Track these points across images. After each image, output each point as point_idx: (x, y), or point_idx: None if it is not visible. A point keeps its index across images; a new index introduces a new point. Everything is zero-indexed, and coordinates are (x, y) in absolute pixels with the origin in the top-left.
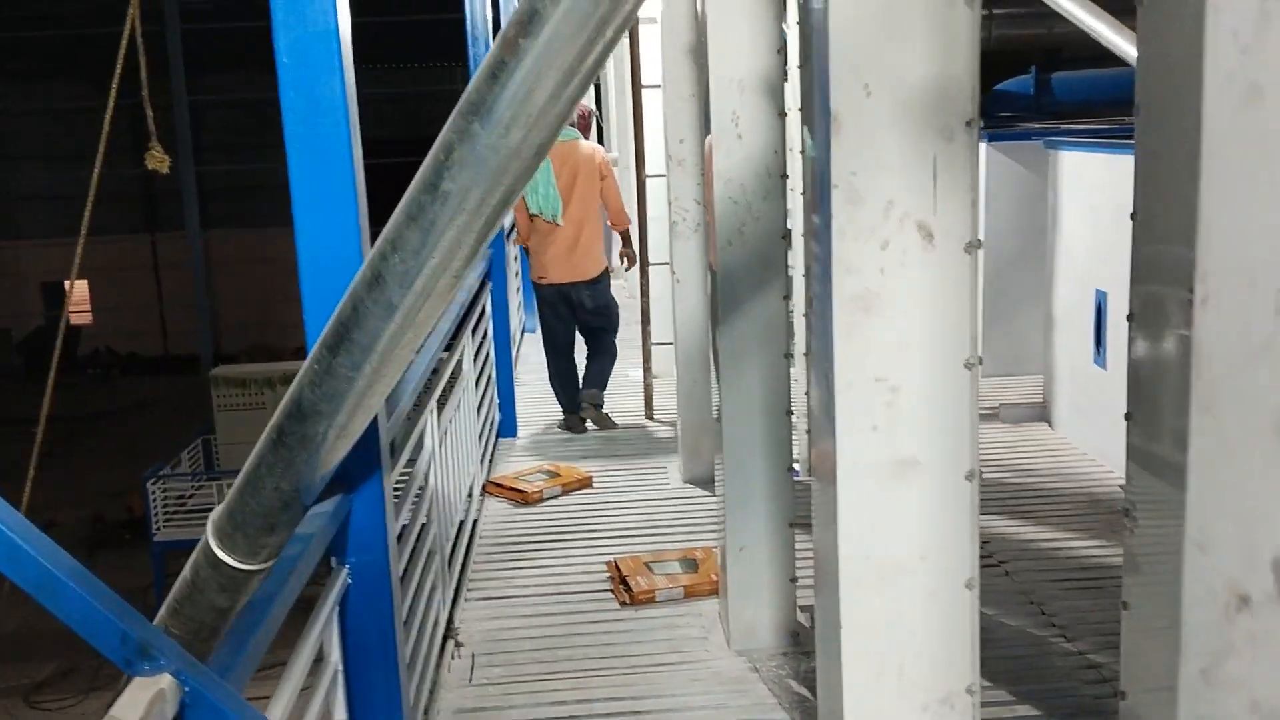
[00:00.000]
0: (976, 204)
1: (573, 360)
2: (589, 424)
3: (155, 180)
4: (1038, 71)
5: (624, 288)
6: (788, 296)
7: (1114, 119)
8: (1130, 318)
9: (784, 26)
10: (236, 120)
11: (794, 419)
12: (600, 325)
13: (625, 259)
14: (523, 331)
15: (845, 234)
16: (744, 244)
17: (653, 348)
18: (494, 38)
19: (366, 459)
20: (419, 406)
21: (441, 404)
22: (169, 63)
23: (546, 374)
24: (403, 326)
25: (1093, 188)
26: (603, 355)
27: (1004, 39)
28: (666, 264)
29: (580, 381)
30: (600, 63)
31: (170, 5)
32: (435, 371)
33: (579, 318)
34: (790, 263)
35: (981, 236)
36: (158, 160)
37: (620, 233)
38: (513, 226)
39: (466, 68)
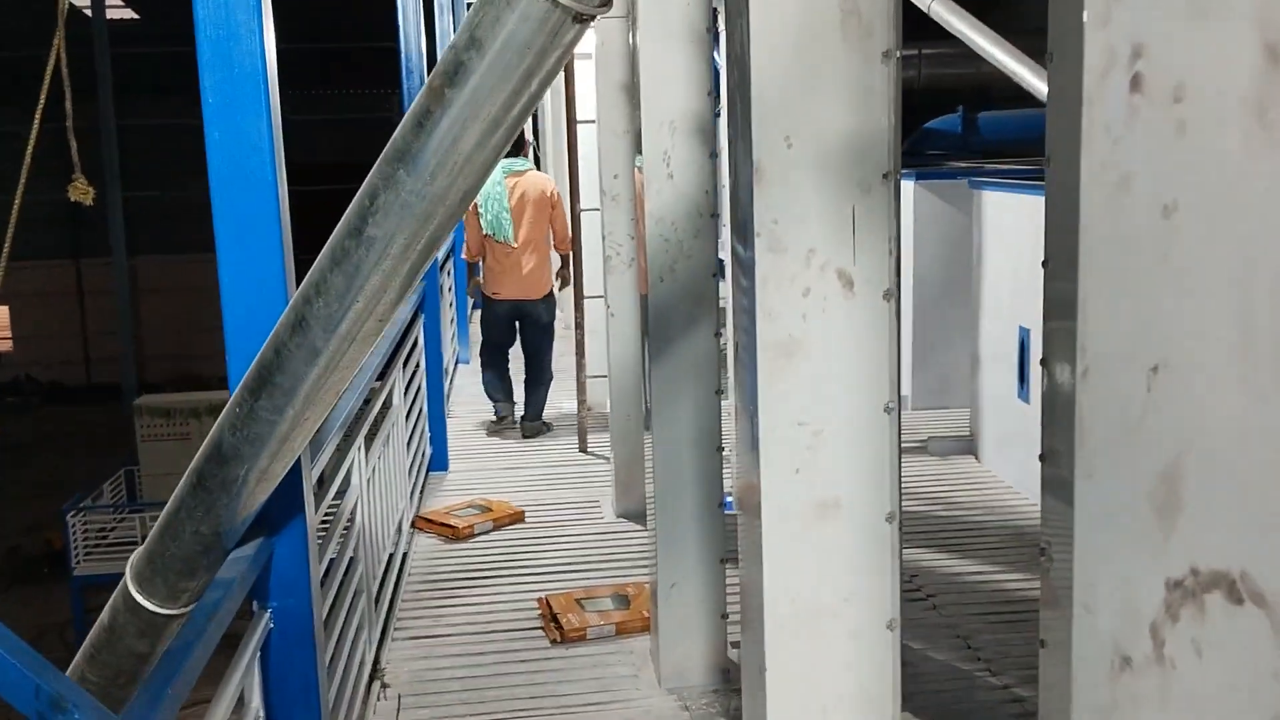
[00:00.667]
0: (895, 253)
1: (508, 366)
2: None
3: (81, 205)
4: (965, 110)
5: (560, 318)
6: (719, 333)
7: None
8: (1043, 361)
9: (716, 57)
10: (166, 145)
11: (725, 454)
12: (541, 344)
13: (560, 279)
14: (456, 363)
15: (768, 281)
16: (675, 281)
17: (587, 380)
18: (428, 68)
19: (289, 501)
20: (348, 438)
21: (370, 438)
22: (98, 86)
23: (481, 384)
24: (326, 370)
25: (1014, 227)
26: (540, 385)
27: (933, 78)
28: (601, 297)
29: (511, 389)
30: (526, 112)
31: (99, 28)
32: (366, 402)
33: (525, 334)
34: (723, 298)
35: (910, 273)
36: (81, 192)
37: (561, 255)
38: (451, 248)
39: (400, 96)
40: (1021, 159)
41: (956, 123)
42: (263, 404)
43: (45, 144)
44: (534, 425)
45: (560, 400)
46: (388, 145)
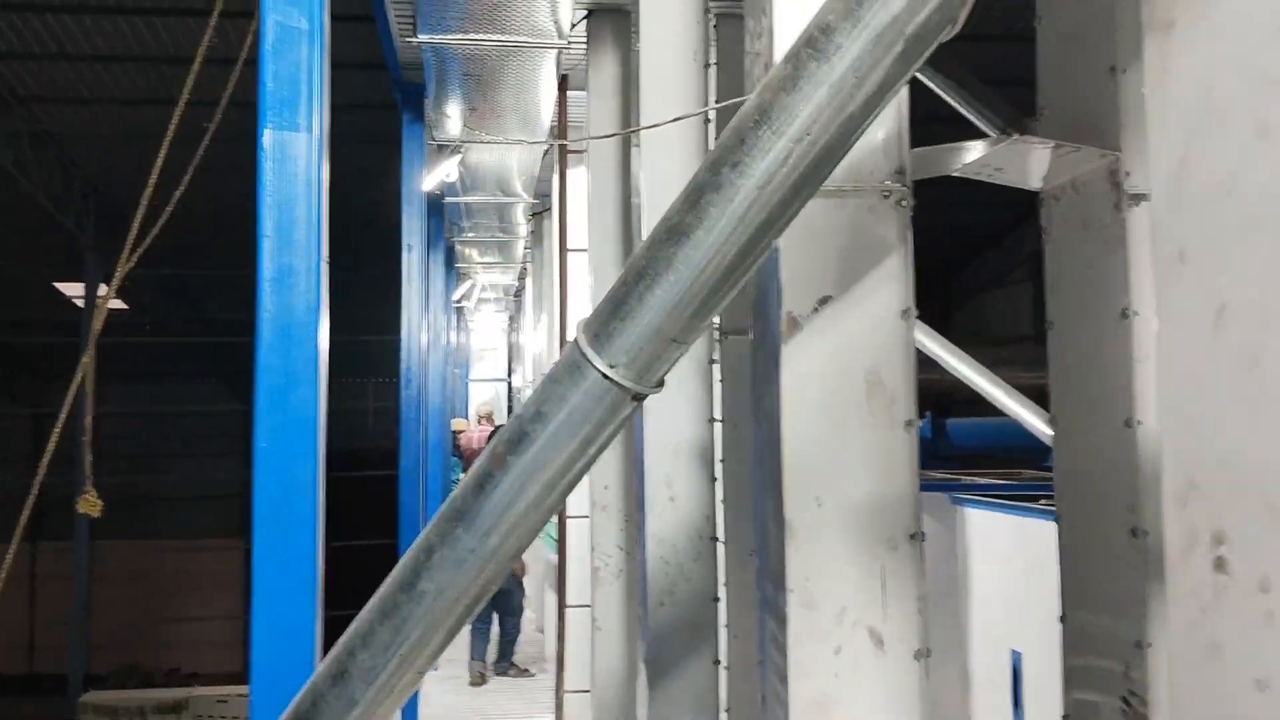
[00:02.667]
0: (925, 612)
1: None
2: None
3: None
4: (933, 416)
5: (531, 620)
6: (717, 661)
7: (1014, 473)
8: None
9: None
10: (134, 430)
11: None
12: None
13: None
14: None
15: (801, 638)
16: (675, 604)
17: (565, 696)
18: (426, 360)
19: None
20: None
21: None
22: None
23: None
24: None
25: (1003, 549)
26: (511, 616)
27: None
28: (587, 607)
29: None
30: (581, 475)
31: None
32: None
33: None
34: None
35: None
36: (90, 505)
37: None
38: None
39: (398, 386)
40: (996, 471)
41: (926, 429)
42: None
43: (19, 431)
44: (507, 667)
45: (539, 714)
46: (445, 504)
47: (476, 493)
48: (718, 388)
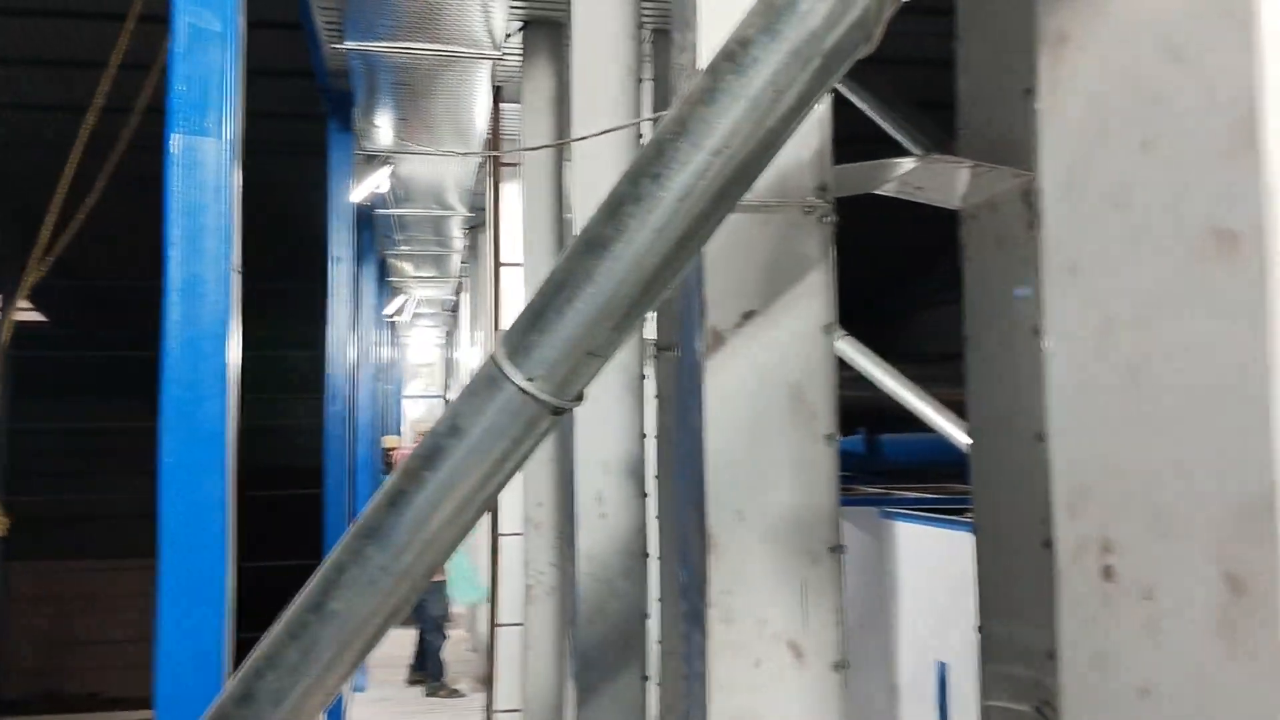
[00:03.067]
0: (843, 624)
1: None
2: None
3: None
4: (867, 432)
5: (465, 639)
6: (646, 677)
7: (943, 487)
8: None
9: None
10: (57, 448)
11: None
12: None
13: None
14: (352, 690)
15: (721, 652)
16: (605, 621)
17: (497, 716)
18: (355, 375)
19: None
20: None
21: None
22: None
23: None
24: None
25: (930, 561)
26: (427, 627)
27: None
28: (519, 626)
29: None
30: (498, 491)
31: None
32: None
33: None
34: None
35: None
36: (2, 526)
37: None
38: None
39: (321, 403)
40: (926, 486)
41: (860, 444)
42: None
43: None
44: (436, 687)
45: None
46: (356, 522)
47: (389, 509)
48: (651, 404)
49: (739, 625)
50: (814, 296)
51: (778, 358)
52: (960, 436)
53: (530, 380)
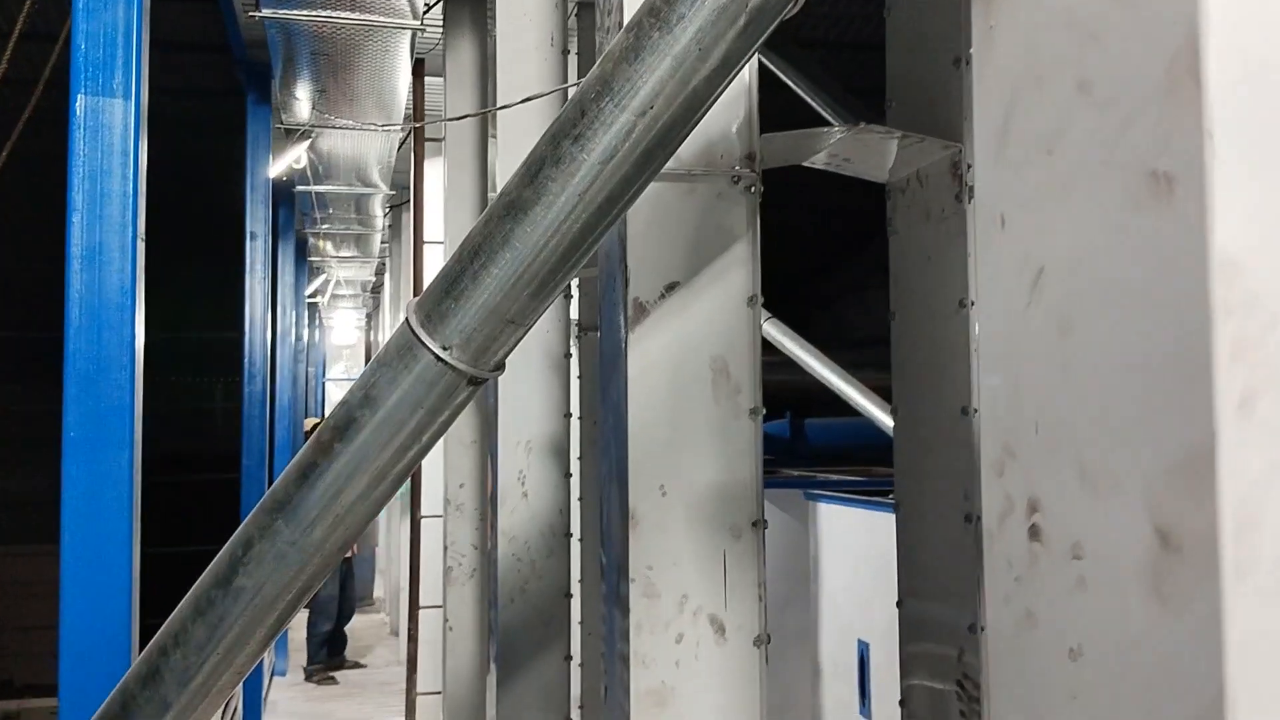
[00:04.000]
0: (764, 599)
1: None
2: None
3: None
4: (792, 417)
5: (385, 623)
6: (569, 657)
7: (866, 469)
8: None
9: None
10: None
11: None
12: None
13: None
14: (272, 674)
15: (642, 628)
16: (526, 601)
17: (418, 698)
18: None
19: None
20: None
21: None
22: None
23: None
24: None
25: (851, 541)
26: (317, 615)
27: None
28: (439, 608)
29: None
30: (413, 465)
31: None
32: None
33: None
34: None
35: None
36: None
37: None
38: None
39: (240, 384)
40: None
41: (785, 428)
42: None
43: None
44: (325, 668)
45: (389, 717)
46: (266, 495)
47: (299, 483)
48: (576, 384)
49: (661, 601)
50: (739, 268)
51: (702, 330)
52: (884, 418)
53: (446, 349)
